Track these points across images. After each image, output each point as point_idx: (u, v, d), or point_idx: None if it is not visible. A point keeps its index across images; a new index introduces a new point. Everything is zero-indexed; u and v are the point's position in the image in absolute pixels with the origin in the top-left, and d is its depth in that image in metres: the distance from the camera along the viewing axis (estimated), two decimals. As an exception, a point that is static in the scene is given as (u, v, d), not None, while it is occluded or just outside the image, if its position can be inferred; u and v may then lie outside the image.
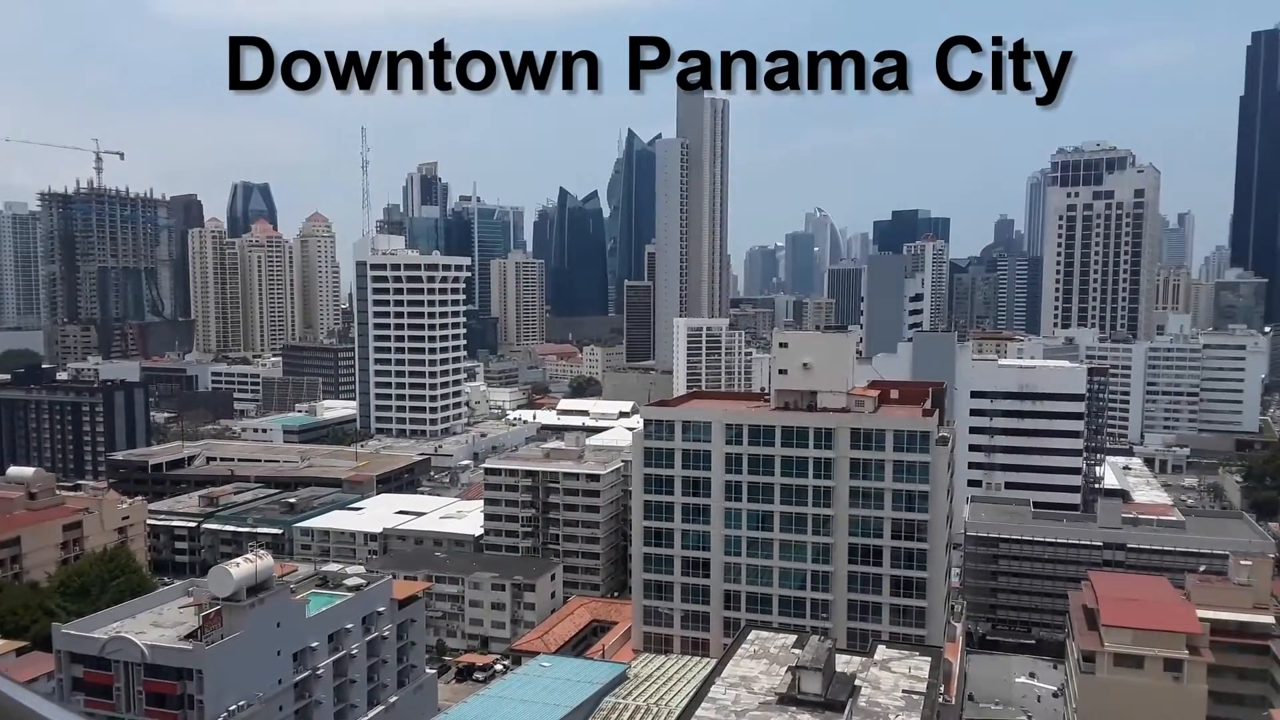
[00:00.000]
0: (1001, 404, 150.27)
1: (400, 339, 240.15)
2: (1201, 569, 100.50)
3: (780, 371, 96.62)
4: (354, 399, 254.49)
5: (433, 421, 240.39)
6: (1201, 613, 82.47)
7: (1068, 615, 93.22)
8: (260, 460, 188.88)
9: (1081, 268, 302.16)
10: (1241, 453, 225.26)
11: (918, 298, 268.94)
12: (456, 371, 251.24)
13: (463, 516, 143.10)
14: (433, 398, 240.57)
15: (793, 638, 70.98)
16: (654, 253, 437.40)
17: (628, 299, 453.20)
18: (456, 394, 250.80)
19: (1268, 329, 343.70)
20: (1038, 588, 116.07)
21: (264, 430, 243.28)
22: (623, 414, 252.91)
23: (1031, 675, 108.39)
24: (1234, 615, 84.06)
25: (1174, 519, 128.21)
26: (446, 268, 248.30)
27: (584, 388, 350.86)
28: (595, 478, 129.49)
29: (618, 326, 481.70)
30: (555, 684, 79.26)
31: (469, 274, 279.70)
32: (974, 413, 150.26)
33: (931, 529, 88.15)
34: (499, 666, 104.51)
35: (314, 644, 74.35)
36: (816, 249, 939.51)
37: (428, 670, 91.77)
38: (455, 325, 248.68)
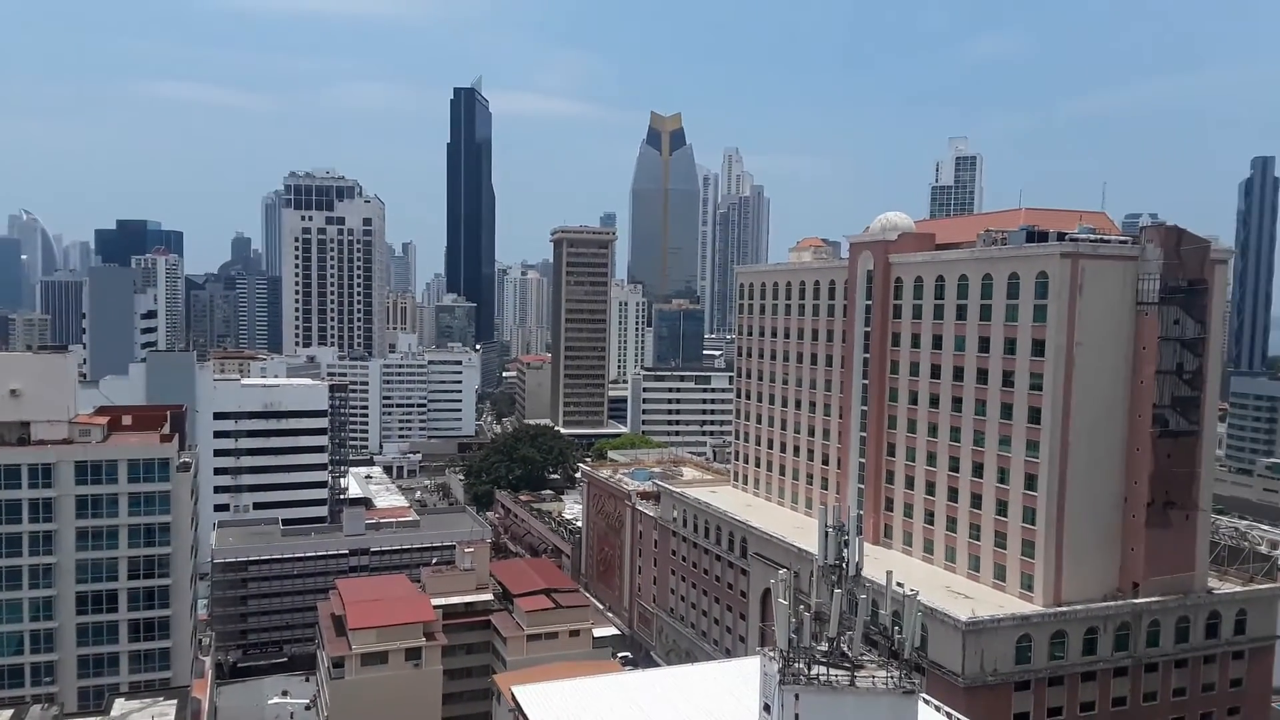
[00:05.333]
0: (246, 424, 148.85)
1: None
2: (435, 561, 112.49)
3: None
4: None
5: None
6: (435, 600, 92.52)
7: (318, 626, 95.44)
8: None
9: (320, 288, 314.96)
10: (463, 454, 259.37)
11: (151, 315, 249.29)
12: None
13: None
14: None
15: (9, 712, 60.71)
16: None
17: None
18: None
19: (478, 346, 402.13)
20: (290, 604, 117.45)
21: None
22: None
23: (285, 694, 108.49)
24: (461, 598, 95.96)
25: (411, 519, 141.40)
26: None
27: None
28: None
29: None
30: None
31: None
32: (218, 434, 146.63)
33: (175, 562, 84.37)
34: None
35: None
36: (25, 257, 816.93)
37: None
38: None
